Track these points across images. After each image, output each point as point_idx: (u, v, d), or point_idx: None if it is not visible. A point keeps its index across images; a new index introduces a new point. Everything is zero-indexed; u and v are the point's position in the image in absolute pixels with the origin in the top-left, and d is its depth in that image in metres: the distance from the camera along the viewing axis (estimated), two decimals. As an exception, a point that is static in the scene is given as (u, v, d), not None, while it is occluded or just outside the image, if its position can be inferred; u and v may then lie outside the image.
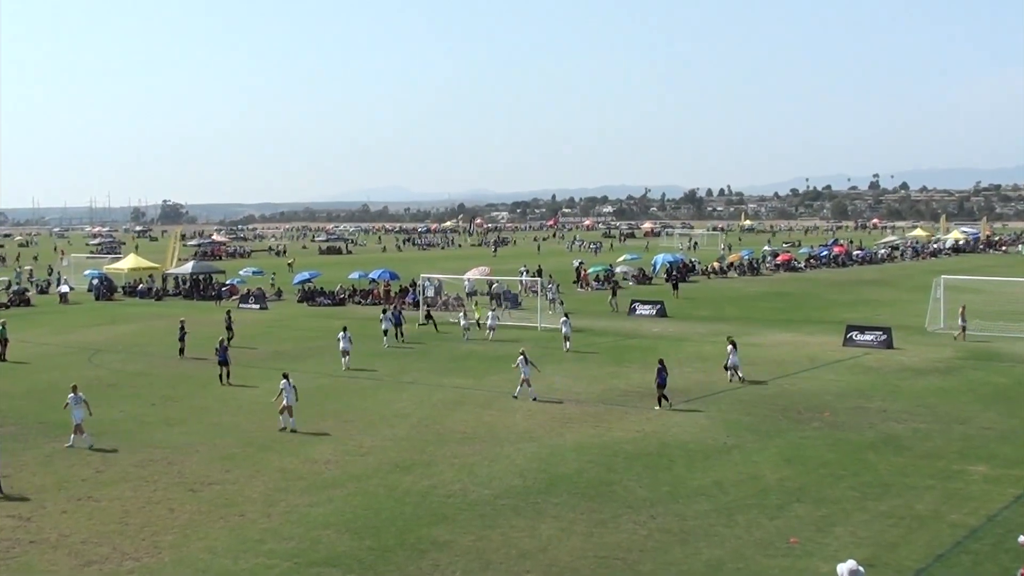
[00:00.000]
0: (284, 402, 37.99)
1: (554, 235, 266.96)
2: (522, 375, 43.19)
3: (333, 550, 24.66)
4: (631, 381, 46.59)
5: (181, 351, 56.69)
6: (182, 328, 57.50)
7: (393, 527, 26.32)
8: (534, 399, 42.59)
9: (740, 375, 46.59)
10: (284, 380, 38.51)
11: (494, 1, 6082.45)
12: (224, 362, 48.84)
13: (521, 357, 43.79)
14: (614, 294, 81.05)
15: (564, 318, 58.99)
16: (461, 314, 67.90)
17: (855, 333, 57.85)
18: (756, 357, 52.93)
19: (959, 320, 59.01)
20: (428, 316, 70.55)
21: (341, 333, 53.18)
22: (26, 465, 33.33)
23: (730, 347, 47.23)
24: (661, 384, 41.01)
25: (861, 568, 17.93)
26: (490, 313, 66.29)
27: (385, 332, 60.42)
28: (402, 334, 61.94)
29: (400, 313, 63.88)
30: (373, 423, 38.83)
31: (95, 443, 35.82)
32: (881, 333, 57.16)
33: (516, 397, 42.98)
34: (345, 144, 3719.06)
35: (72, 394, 36.32)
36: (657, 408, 40.64)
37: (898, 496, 28.36)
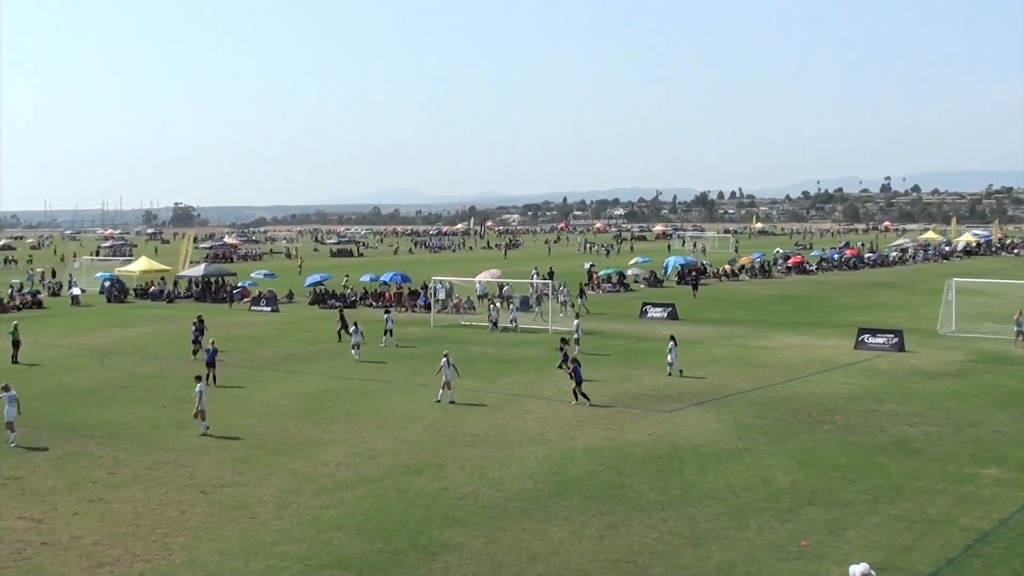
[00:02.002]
0: (198, 406, 38.05)
1: (557, 239, 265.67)
2: (444, 378, 43.46)
3: (344, 552, 24.66)
4: (643, 384, 46.54)
5: (195, 352, 56.80)
6: (198, 327, 57.86)
7: (404, 529, 26.32)
8: (439, 400, 43.11)
9: (676, 370, 48.93)
10: (198, 384, 38.51)
11: (505, 4, 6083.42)
12: (211, 364, 49.36)
13: (444, 360, 43.98)
14: (582, 295, 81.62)
15: (577, 320, 59.06)
16: (492, 307, 71.11)
17: (867, 336, 57.73)
18: (768, 360, 52.92)
19: (1015, 325, 58.59)
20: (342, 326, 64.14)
21: (353, 327, 55.36)
22: (38, 467, 33.41)
23: (671, 343, 49.27)
24: (578, 382, 42.62)
25: (873, 572, 17.91)
26: (511, 307, 68.45)
27: (388, 332, 61.32)
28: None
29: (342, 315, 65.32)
30: (384, 425, 38.84)
31: (19, 442, 36.50)
32: (893, 336, 57.04)
33: (439, 401, 43.19)
34: (356, 147, 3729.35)
35: (4, 392, 36.88)
36: (575, 403, 42.25)
37: (910, 499, 28.30)
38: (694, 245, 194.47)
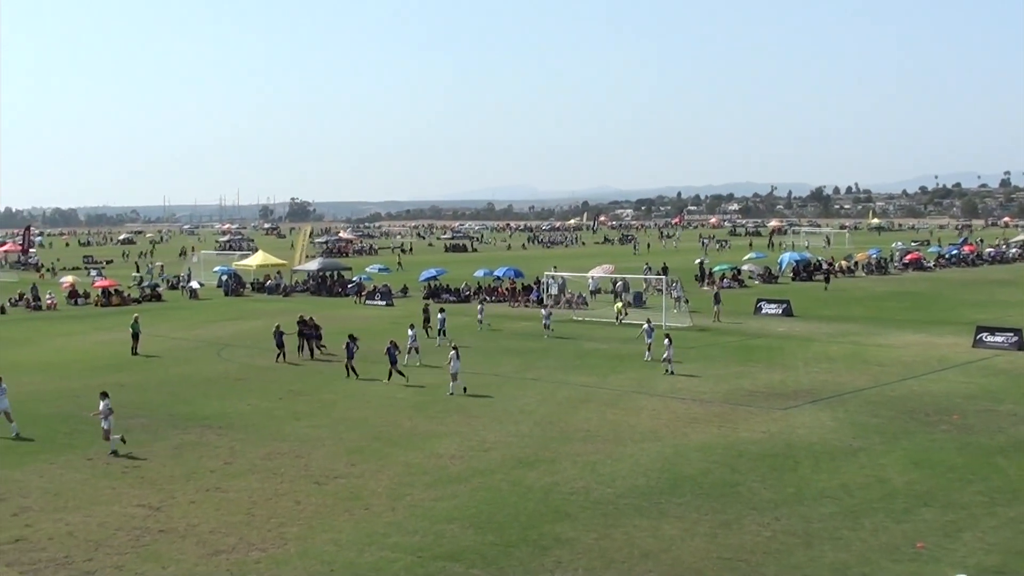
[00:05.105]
0: (103, 425, 35.01)
1: (660, 235, 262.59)
2: (451, 370, 44.30)
3: (457, 544, 24.82)
4: (757, 381, 46.22)
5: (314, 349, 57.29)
6: (312, 328, 58.42)
7: (516, 523, 26.40)
8: (451, 393, 43.93)
9: (671, 368, 48.70)
10: (102, 400, 35.34)
11: (622, 3, 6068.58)
12: (280, 345, 54.48)
13: (453, 352, 44.87)
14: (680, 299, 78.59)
15: (646, 325, 54.86)
16: (619, 304, 71.33)
17: (985, 334, 56.68)
18: (884, 358, 52.24)
19: None
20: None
21: (410, 331, 54.13)
22: (156, 455, 34.02)
23: (667, 340, 49.21)
24: (393, 362, 47.49)
25: None
26: (543, 311, 66.78)
27: (442, 332, 60.23)
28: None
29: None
30: (497, 419, 38.98)
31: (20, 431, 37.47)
32: (1012, 335, 55.90)
33: (451, 394, 43.96)
34: (471, 143, 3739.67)
35: None
36: (386, 382, 46.84)
37: (1029, 502, 27.80)
38: (807, 244, 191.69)
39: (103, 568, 23.62)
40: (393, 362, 47.55)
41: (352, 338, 49.58)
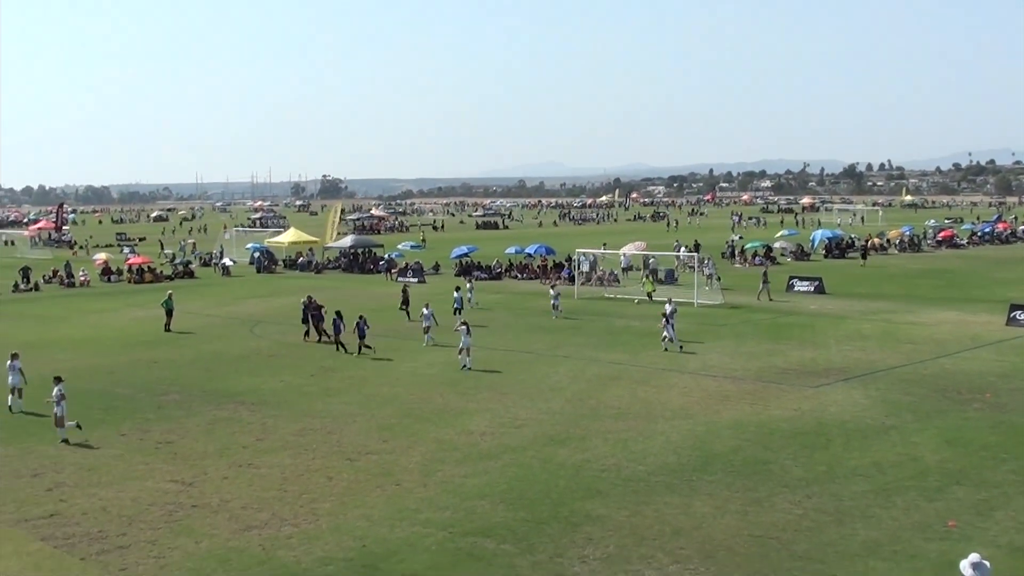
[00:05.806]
0: (56, 411, 33.47)
1: (690, 213, 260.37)
2: (461, 344, 44.90)
3: (488, 520, 24.87)
4: (788, 359, 46.08)
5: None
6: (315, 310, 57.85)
7: (547, 500, 26.43)
8: (467, 368, 44.46)
9: (668, 346, 49.30)
10: (56, 385, 33.91)
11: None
12: (306, 321, 55.19)
13: (463, 327, 45.48)
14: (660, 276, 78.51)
15: (668, 306, 51.36)
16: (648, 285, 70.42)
17: (1019, 312, 56.18)
18: (916, 336, 52.00)
19: None
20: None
21: (425, 309, 53.05)
22: (189, 432, 34.20)
23: (664, 320, 49.75)
24: (361, 336, 49.13)
25: (986, 562, 17.48)
26: (551, 291, 65.16)
27: (457, 311, 57.57)
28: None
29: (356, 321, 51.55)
30: (528, 396, 39.00)
31: (23, 408, 37.51)
32: (1047, 313, 55.55)
33: (464, 367, 44.50)
34: (503, 120, 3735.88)
35: (10, 361, 37.92)
36: (355, 355, 48.74)
37: (1062, 480, 27.65)
38: (838, 221, 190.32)
39: (136, 543, 23.77)
40: (361, 336, 48.97)
41: (338, 314, 51.00)
